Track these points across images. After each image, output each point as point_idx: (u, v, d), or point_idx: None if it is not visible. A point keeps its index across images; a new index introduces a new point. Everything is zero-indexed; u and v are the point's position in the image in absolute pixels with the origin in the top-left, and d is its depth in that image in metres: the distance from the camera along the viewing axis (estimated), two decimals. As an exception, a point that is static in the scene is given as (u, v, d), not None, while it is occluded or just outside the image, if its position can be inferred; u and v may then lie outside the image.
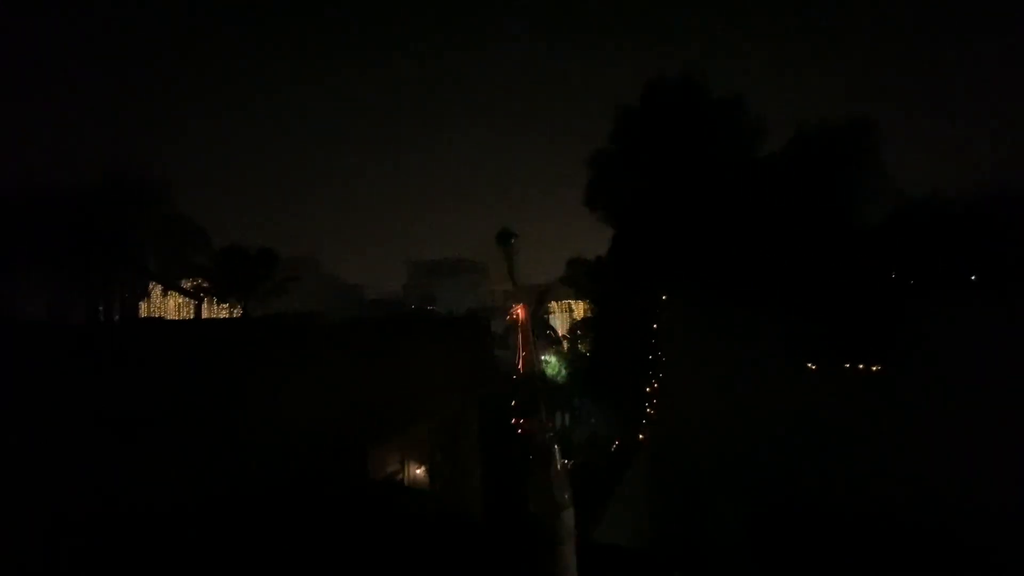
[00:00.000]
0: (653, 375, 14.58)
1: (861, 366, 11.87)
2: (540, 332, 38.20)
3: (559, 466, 3.59)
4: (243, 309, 25.72)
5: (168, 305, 28.50)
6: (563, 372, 31.66)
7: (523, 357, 4.09)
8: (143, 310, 28.78)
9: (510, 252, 3.97)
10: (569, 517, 3.44)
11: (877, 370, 11.70)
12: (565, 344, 34.73)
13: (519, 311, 4.22)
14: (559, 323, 41.93)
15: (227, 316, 27.37)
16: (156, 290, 28.46)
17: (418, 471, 13.10)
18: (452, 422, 13.04)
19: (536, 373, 4.24)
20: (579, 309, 41.34)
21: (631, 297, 16.04)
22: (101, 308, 25.83)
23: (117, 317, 25.95)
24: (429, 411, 12.35)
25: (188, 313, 28.52)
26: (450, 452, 13.47)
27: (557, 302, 45.83)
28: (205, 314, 27.71)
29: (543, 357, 40.99)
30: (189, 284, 28.83)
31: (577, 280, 25.59)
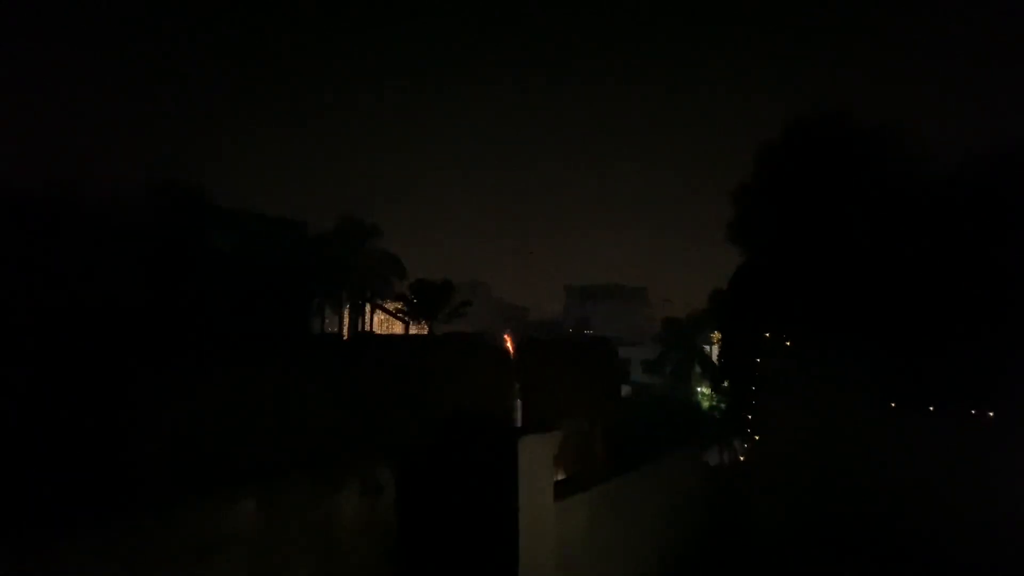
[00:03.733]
0: (754, 417, 14.72)
1: (984, 411, 10.91)
2: (696, 364, 37.47)
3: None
4: (430, 327, 31.56)
5: (375, 322, 36.16)
6: (720, 406, 30.93)
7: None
8: (359, 325, 36.95)
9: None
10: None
11: (992, 415, 10.74)
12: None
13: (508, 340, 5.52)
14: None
15: (418, 332, 33.68)
16: (368, 311, 36.35)
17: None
18: (575, 443, 14.85)
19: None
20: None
21: (742, 334, 16.08)
22: (342, 322, 33.90)
23: (346, 330, 33.90)
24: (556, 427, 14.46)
25: (391, 329, 35.71)
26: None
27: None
28: (403, 330, 34.52)
29: (699, 389, 39.97)
30: (392, 307, 36.11)
31: (717, 312, 25.45)
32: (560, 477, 14.26)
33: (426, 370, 13.44)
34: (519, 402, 14.35)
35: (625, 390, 36.03)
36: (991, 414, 11.41)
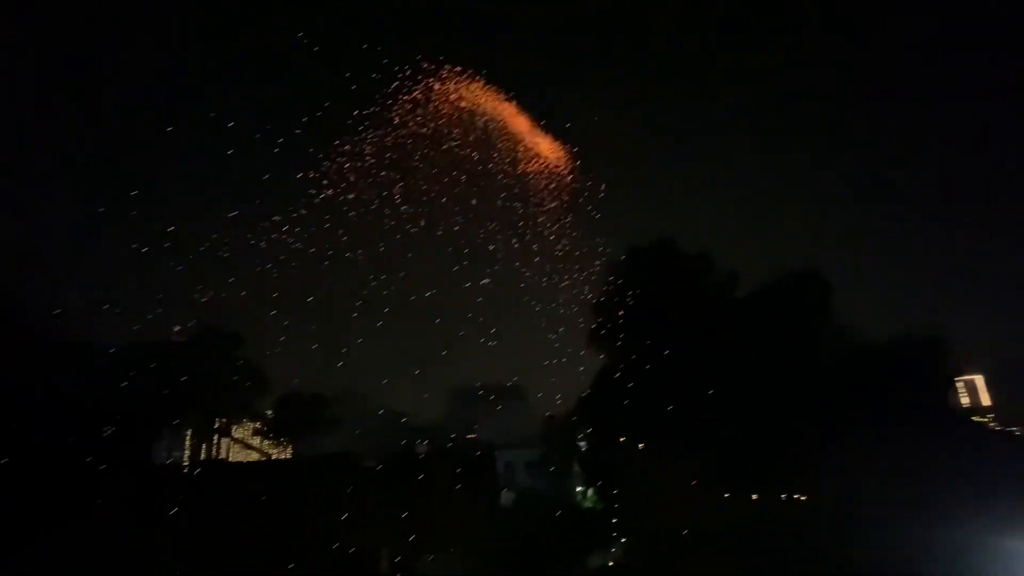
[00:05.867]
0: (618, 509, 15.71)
1: (794, 495, 13.07)
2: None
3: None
4: (293, 449, 28.41)
5: (224, 447, 31.66)
6: (598, 505, 31.26)
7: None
8: (203, 452, 31.88)
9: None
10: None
11: (802, 499, 12.94)
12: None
13: None
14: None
15: (279, 457, 30.04)
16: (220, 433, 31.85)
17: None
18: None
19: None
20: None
21: (604, 437, 17.48)
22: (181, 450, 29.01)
23: (187, 459, 29.03)
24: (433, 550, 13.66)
25: (243, 455, 31.44)
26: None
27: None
28: (259, 454, 30.54)
29: (587, 491, 40.05)
30: (251, 427, 32.04)
31: (553, 436, 27.10)
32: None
33: (266, 508, 11.96)
34: (386, 550, 13.29)
35: (509, 497, 34.96)
36: (800, 496, 13.49)
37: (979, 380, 38.96)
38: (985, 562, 10.59)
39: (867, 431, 13.46)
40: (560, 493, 35.79)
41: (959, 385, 34.86)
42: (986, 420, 27.32)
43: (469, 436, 49.93)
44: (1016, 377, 35.74)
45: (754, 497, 13.23)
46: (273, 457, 30.42)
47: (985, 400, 39.42)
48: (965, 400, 36.97)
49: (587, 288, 21.66)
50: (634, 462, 16.14)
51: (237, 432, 32.78)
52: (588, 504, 34.80)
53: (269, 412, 31.48)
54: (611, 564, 19.11)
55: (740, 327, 16.48)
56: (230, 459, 31.19)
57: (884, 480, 11.98)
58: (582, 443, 38.44)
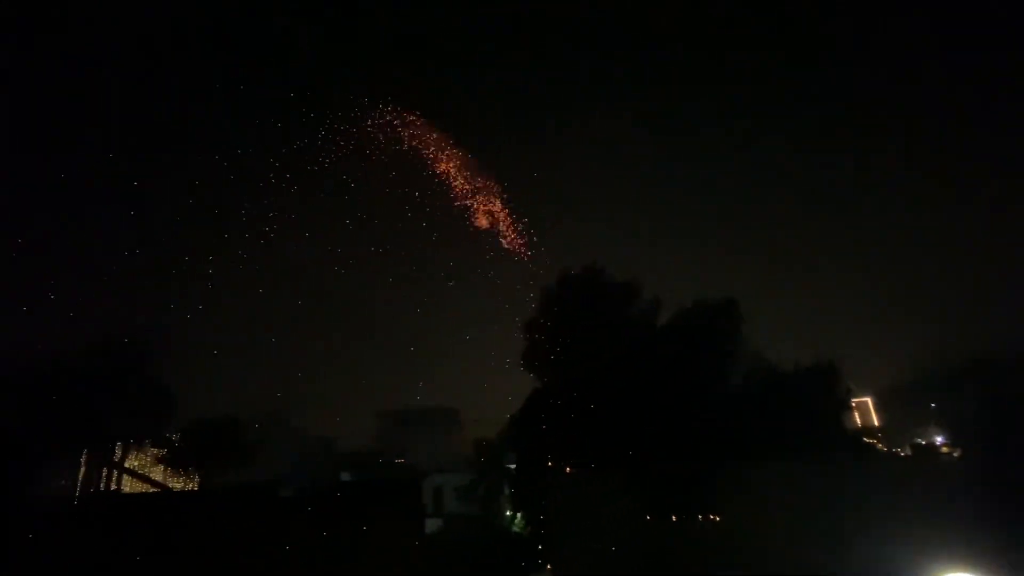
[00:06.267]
0: (544, 534, 15.96)
1: (710, 516, 14.00)
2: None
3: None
4: (200, 480, 26.11)
5: (124, 478, 28.62)
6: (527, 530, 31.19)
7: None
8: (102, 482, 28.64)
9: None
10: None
11: (716, 519, 13.87)
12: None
13: None
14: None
15: (182, 488, 27.49)
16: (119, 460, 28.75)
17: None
18: None
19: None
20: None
21: (532, 460, 17.79)
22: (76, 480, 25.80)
23: (78, 490, 25.88)
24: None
25: (142, 486, 28.55)
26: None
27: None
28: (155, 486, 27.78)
29: (516, 514, 39.85)
30: (155, 454, 29.15)
31: (484, 459, 27.30)
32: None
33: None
34: None
35: (436, 524, 34.01)
36: (714, 517, 14.33)
37: (870, 401, 43.00)
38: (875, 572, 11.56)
39: (772, 452, 14.70)
40: (489, 518, 35.39)
41: (853, 405, 38.33)
42: (875, 441, 30.19)
43: (398, 460, 48.34)
44: (898, 400, 39.80)
45: (673, 519, 13.92)
46: (175, 488, 27.80)
47: (875, 421, 43.38)
48: (858, 421, 40.61)
49: (521, 315, 22.15)
50: (560, 486, 16.38)
51: (133, 461, 29.76)
52: (516, 528, 34.65)
53: (175, 437, 28.94)
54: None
55: (660, 353, 17.42)
56: (128, 490, 28.21)
57: (788, 498, 13.13)
58: (512, 467, 38.43)
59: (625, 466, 14.48)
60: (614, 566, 14.46)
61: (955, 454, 20.58)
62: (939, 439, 28.91)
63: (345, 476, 32.05)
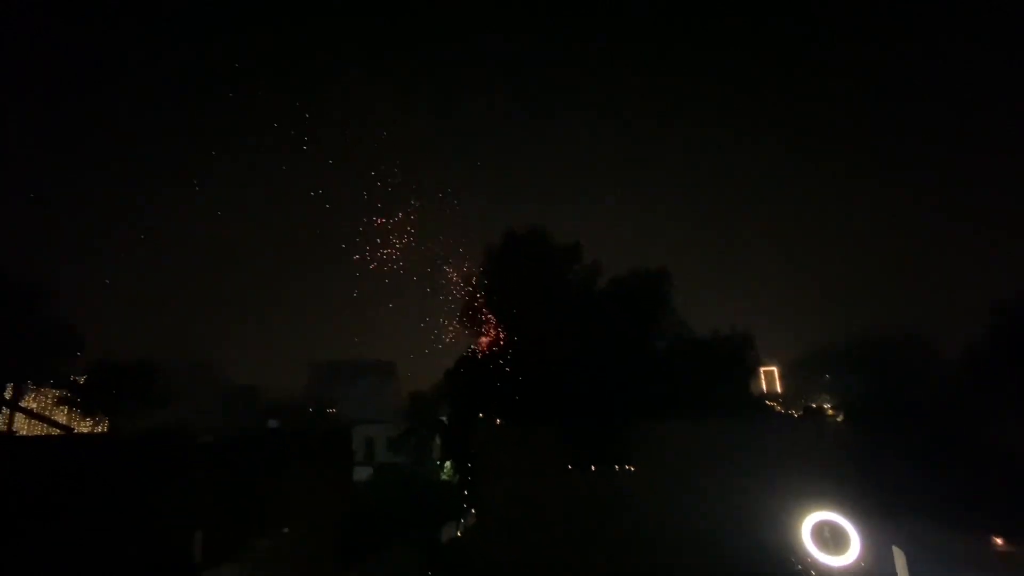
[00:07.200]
0: (471, 481, 16.75)
1: (626, 467, 15.32)
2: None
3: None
4: (109, 424, 24.60)
5: (19, 419, 26.44)
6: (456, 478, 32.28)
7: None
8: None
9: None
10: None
11: (632, 469, 15.21)
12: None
13: None
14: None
15: (89, 432, 25.83)
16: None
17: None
18: (299, 551, 13.69)
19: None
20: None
21: (465, 412, 18.39)
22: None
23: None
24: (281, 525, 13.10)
25: (40, 429, 26.57)
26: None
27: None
28: (60, 428, 25.96)
29: (445, 464, 41.03)
30: (56, 395, 27.06)
31: (418, 412, 27.83)
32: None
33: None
34: (199, 533, 12.26)
35: (367, 472, 34.37)
36: (630, 468, 15.58)
37: (776, 371, 47.21)
38: (774, 524, 13.02)
39: (686, 411, 16.13)
40: (420, 467, 36.24)
41: (762, 373, 42.03)
42: (775, 404, 33.47)
43: (329, 410, 47.88)
44: (799, 371, 44.05)
45: (593, 469, 15.03)
46: (81, 432, 26.08)
47: (779, 388, 47.78)
48: (764, 387, 44.61)
49: (465, 270, 22.08)
50: (489, 437, 17.00)
51: (31, 402, 27.50)
52: (445, 476, 35.79)
53: (82, 380, 26.91)
54: (459, 534, 19.93)
55: (595, 316, 18.16)
56: (27, 432, 26.17)
57: (695, 451, 14.50)
58: (444, 419, 39.21)
59: (552, 421, 15.34)
60: (534, 510, 15.47)
61: (839, 418, 23.15)
62: (827, 405, 32.52)
63: (273, 424, 31.38)
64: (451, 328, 23.04)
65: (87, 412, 25.31)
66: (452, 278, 22.84)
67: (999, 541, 8.77)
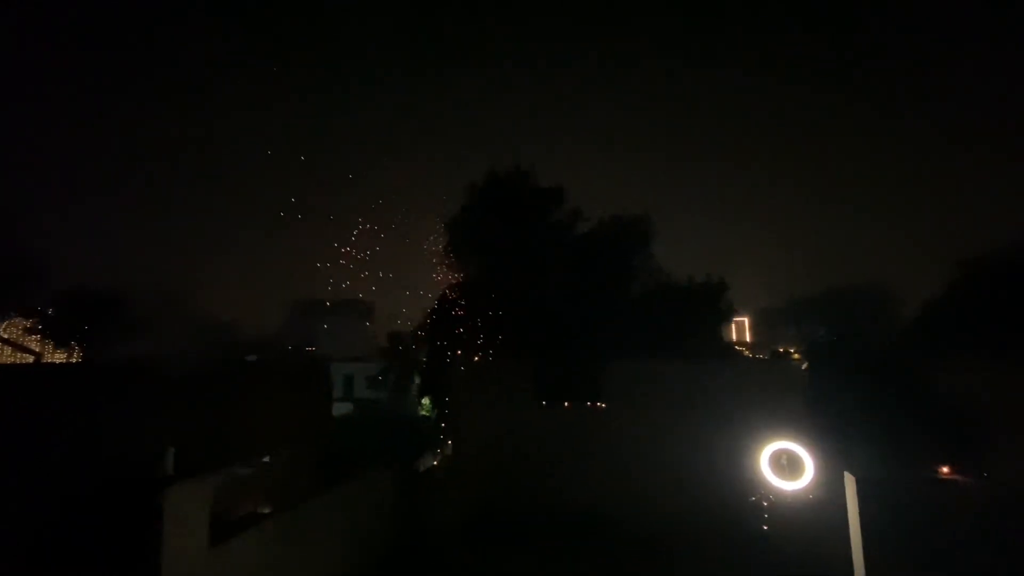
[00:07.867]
0: (448, 423, 17.34)
1: (597, 403, 15.96)
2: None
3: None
4: (83, 355, 24.26)
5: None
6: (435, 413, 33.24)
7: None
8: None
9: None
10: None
11: (603, 406, 15.82)
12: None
13: None
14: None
15: (63, 361, 25.48)
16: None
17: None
18: (282, 473, 13.91)
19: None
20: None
21: (443, 349, 18.69)
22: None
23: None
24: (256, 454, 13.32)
25: (21, 356, 26.14)
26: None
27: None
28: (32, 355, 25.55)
29: (423, 400, 42.06)
30: (26, 324, 26.45)
31: (397, 350, 28.03)
32: (266, 510, 13.09)
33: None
34: (172, 450, 12.45)
35: (346, 408, 35.09)
36: (601, 404, 16.21)
37: (747, 321, 48.90)
38: (738, 457, 13.82)
39: (658, 354, 16.69)
40: (398, 403, 37.15)
41: (734, 321, 43.42)
42: (743, 349, 34.93)
43: (308, 348, 48.10)
44: (769, 321, 45.77)
45: (566, 405, 15.57)
46: (51, 361, 25.72)
47: (749, 337, 49.66)
48: (735, 336, 46.24)
49: (447, 211, 21.66)
50: (466, 374, 17.35)
51: (3, 331, 26.86)
52: (424, 412, 36.86)
53: (50, 311, 26.26)
54: (435, 463, 20.73)
55: (575, 259, 18.23)
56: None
57: (663, 391, 15.13)
58: (424, 358, 39.82)
59: (527, 359, 15.76)
60: (507, 442, 16.12)
61: (803, 367, 24.21)
62: (792, 350, 34.09)
63: (251, 358, 31.41)
64: (432, 265, 22.94)
65: (60, 342, 24.84)
66: (436, 224, 22.50)
67: (944, 469, 9.58)
